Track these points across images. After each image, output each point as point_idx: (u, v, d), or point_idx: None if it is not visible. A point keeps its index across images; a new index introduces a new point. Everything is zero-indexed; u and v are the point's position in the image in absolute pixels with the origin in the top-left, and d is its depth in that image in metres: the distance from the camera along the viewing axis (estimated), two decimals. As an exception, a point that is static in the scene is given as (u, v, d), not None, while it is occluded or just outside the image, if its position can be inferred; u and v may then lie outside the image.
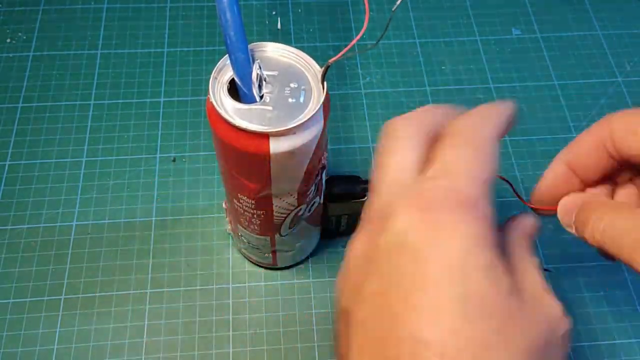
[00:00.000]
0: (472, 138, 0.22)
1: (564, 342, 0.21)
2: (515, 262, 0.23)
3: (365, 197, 0.36)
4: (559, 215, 0.27)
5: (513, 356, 0.19)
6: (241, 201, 0.32)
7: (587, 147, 0.25)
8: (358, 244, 0.22)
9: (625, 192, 0.27)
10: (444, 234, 0.20)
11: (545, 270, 0.40)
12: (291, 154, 0.27)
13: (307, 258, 0.40)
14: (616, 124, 0.24)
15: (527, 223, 0.26)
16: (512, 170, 0.45)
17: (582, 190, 0.27)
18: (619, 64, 0.51)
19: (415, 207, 0.20)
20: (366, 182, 0.37)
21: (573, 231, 0.25)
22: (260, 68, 0.28)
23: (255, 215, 0.33)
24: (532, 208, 0.28)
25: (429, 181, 0.21)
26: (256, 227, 0.34)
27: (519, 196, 0.29)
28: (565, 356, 0.21)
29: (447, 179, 0.21)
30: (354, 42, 0.27)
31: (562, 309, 0.22)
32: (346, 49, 0.27)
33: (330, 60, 0.27)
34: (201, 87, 0.48)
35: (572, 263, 0.41)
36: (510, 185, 0.30)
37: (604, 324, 0.39)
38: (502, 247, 0.22)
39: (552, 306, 0.22)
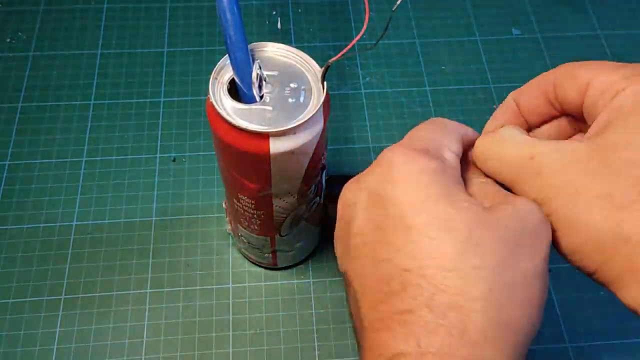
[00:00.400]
0: (440, 122, 0.27)
1: (543, 229, 0.23)
2: (472, 183, 0.26)
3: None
4: None
5: (485, 256, 0.21)
6: (241, 201, 0.32)
7: (533, 90, 0.27)
8: (349, 196, 0.26)
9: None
10: (399, 178, 0.23)
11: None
12: (291, 154, 0.27)
13: (307, 258, 0.40)
14: (560, 69, 0.25)
15: (472, 153, 0.28)
16: (512, 170, 0.45)
17: (528, 130, 0.28)
18: (619, 64, 0.51)
19: (377, 163, 0.25)
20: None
21: None
22: (260, 68, 0.28)
23: (255, 215, 0.33)
24: None
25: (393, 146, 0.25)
26: (256, 227, 0.34)
27: None
28: (548, 241, 0.23)
29: (407, 140, 0.25)
30: (354, 42, 0.27)
31: (530, 202, 0.23)
32: (346, 49, 0.27)
33: (330, 60, 0.27)
34: (201, 87, 0.48)
35: (572, 263, 0.41)
36: None
37: (604, 324, 0.39)
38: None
39: (517, 203, 0.23)
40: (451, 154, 0.25)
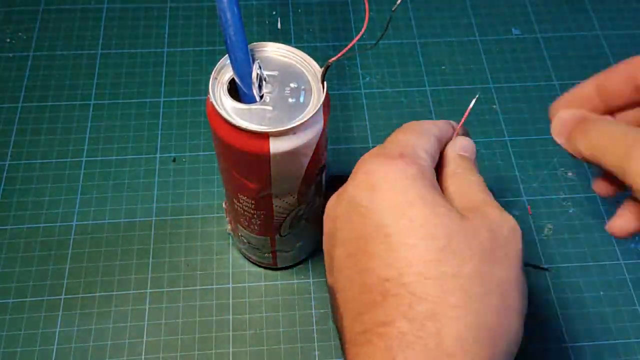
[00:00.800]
0: (414, 125, 0.27)
1: (513, 238, 0.23)
2: (451, 182, 0.26)
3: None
4: (552, 124, 0.28)
5: (462, 264, 0.21)
6: (241, 201, 0.32)
7: (619, 75, 0.26)
8: (331, 210, 0.26)
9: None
10: (377, 186, 0.23)
11: (546, 270, 0.40)
12: (291, 154, 0.27)
13: (307, 258, 0.40)
14: None
15: (459, 143, 0.28)
16: (512, 170, 0.45)
17: (604, 114, 0.28)
18: (619, 64, 0.51)
19: (354, 174, 0.24)
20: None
21: (562, 142, 0.27)
22: (260, 68, 0.28)
23: (255, 215, 0.33)
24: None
25: (369, 154, 0.25)
26: (256, 227, 0.34)
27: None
28: (518, 250, 0.23)
29: (382, 148, 0.25)
30: (354, 42, 0.27)
31: (500, 213, 0.24)
32: (346, 49, 0.27)
33: (330, 60, 0.27)
34: (201, 87, 0.48)
35: (572, 263, 0.41)
36: None
37: (604, 324, 0.39)
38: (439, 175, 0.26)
39: (489, 213, 0.23)
40: (426, 154, 0.25)
